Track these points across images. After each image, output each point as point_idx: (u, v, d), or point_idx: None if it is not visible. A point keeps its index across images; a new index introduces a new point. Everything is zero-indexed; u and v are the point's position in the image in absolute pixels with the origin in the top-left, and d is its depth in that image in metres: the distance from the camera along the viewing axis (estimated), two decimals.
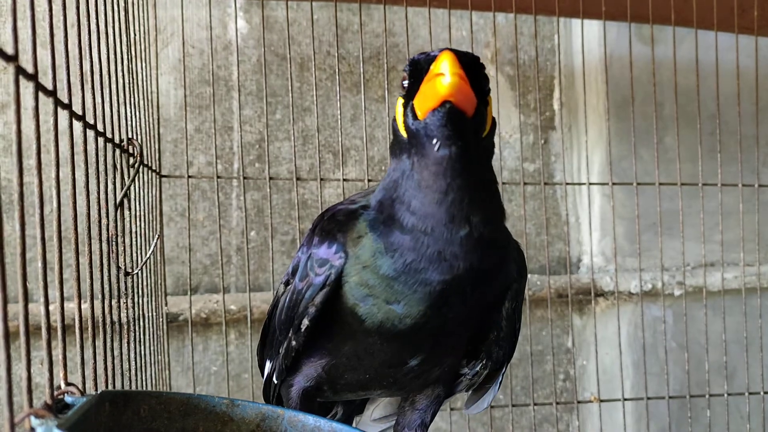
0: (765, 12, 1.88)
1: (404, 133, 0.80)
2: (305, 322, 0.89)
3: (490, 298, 0.89)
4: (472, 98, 0.74)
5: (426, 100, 0.75)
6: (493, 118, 0.83)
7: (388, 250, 0.81)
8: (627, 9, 1.84)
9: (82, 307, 0.74)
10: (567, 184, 2.10)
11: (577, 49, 2.19)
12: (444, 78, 0.71)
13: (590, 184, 1.98)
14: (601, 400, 2.00)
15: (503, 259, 0.87)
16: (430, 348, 0.89)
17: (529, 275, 2.06)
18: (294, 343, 0.91)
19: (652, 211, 2.00)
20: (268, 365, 1.03)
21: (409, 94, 0.79)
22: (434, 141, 0.75)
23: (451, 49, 0.75)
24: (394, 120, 0.84)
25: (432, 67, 0.75)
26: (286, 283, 0.96)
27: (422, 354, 0.90)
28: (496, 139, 2.19)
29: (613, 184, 1.96)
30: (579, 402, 2.07)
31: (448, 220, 0.77)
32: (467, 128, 0.75)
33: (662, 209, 1.92)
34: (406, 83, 0.80)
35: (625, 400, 1.97)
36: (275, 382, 0.99)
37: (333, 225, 0.88)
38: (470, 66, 0.77)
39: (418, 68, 0.78)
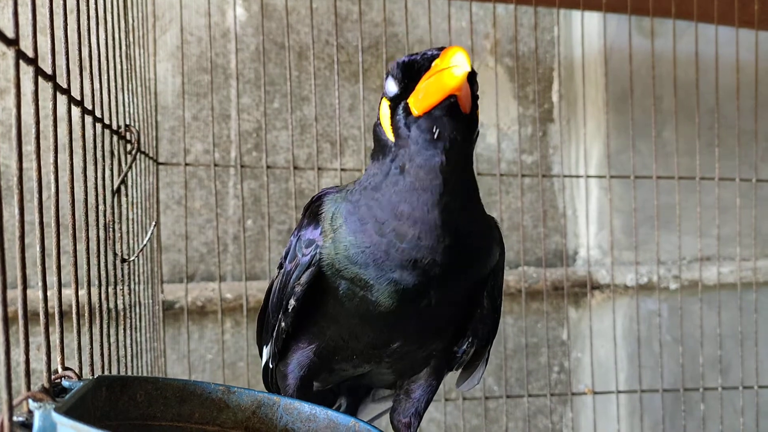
0: (765, 6, 1.87)
1: (392, 137, 0.80)
2: (292, 302, 0.90)
3: (472, 286, 0.90)
4: (469, 98, 0.76)
5: (429, 96, 0.75)
6: (478, 105, 0.83)
7: (363, 251, 0.82)
8: (627, 1, 1.84)
9: (79, 293, 0.74)
10: (565, 176, 2.10)
11: (576, 41, 2.18)
12: (456, 69, 0.71)
13: (588, 176, 1.99)
14: (595, 392, 2.01)
15: (485, 250, 0.88)
16: (411, 331, 0.90)
17: (525, 267, 2.08)
18: (283, 324, 0.93)
19: (649, 204, 2.01)
20: (265, 351, 1.04)
21: (403, 94, 0.79)
22: (434, 130, 0.75)
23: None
24: (377, 125, 0.84)
25: (438, 61, 0.74)
26: (280, 267, 0.97)
27: (403, 337, 0.91)
28: (494, 132, 2.18)
29: (611, 177, 1.96)
30: (573, 394, 2.08)
31: (439, 225, 0.78)
32: (464, 126, 0.76)
33: (659, 203, 1.92)
34: (396, 83, 0.79)
35: (619, 392, 1.98)
36: (271, 366, 1.01)
37: (319, 207, 0.90)
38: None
39: (415, 68, 0.78)
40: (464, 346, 0.98)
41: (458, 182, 0.78)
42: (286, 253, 0.94)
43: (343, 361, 0.97)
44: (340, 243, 0.84)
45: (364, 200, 0.83)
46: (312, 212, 0.91)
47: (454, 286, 0.86)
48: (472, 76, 0.78)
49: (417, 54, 0.79)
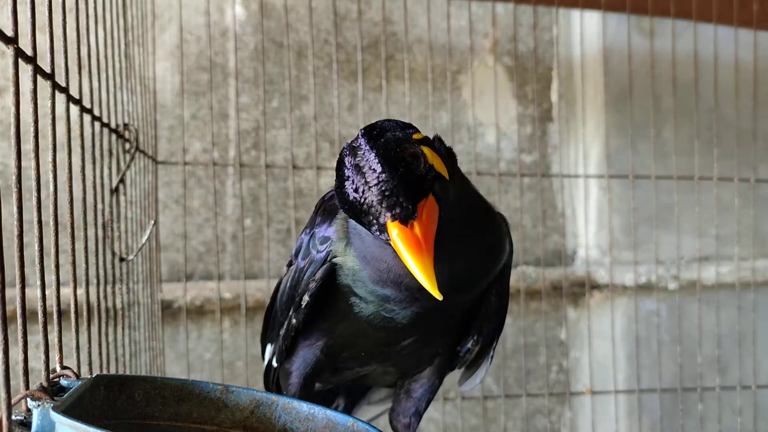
0: (764, 6, 1.88)
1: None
2: (306, 298, 0.89)
3: (484, 288, 0.90)
4: (436, 209, 0.71)
5: (400, 252, 0.69)
6: (442, 153, 0.78)
7: (387, 295, 0.82)
8: (626, 1, 1.84)
9: (78, 292, 0.74)
10: (564, 176, 2.10)
11: (576, 40, 2.18)
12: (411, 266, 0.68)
13: (587, 176, 1.99)
14: (594, 392, 2.01)
15: (498, 249, 0.87)
16: (420, 333, 0.91)
17: (524, 267, 2.08)
18: (294, 321, 0.92)
19: (648, 204, 2.01)
20: (269, 349, 1.03)
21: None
22: None
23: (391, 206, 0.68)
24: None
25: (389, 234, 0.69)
26: (289, 264, 0.97)
27: (413, 336, 0.91)
28: (493, 131, 2.17)
29: (610, 176, 1.96)
30: (572, 394, 2.08)
31: (461, 267, 0.79)
32: (444, 210, 0.72)
33: (658, 203, 1.93)
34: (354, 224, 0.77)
35: (618, 392, 1.98)
36: (275, 365, 1.00)
37: (335, 206, 0.87)
38: (396, 159, 0.73)
39: (363, 215, 0.71)
40: (468, 344, 0.97)
41: (459, 220, 0.77)
42: (297, 251, 0.93)
43: (350, 359, 0.96)
44: (358, 280, 0.84)
45: (369, 253, 0.81)
46: (326, 209, 0.89)
47: (472, 294, 0.87)
48: (405, 158, 0.74)
49: (358, 199, 0.71)
